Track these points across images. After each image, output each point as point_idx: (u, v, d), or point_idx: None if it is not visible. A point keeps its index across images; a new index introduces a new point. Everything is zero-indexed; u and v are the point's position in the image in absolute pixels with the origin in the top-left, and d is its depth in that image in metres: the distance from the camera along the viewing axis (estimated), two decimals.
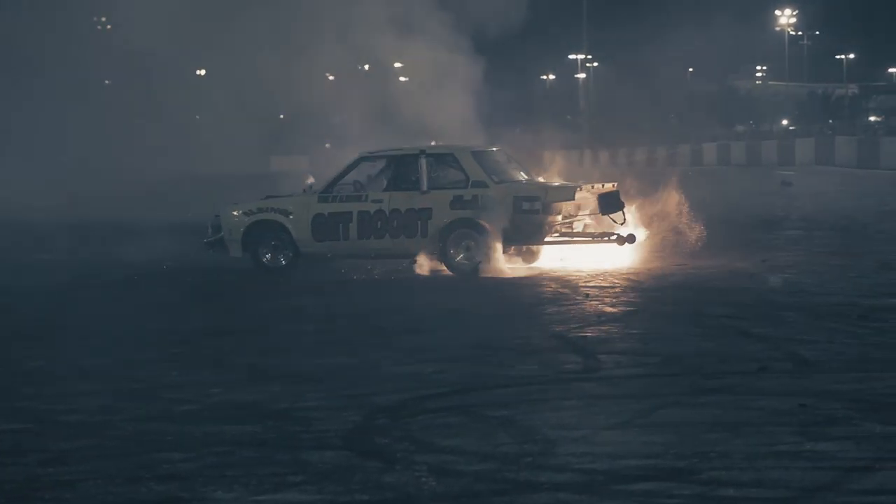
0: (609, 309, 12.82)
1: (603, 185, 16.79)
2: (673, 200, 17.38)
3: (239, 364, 10.21)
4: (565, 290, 14.33)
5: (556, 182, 17.02)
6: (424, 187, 16.35)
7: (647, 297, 13.69)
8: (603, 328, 11.60)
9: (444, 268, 16.23)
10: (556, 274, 15.85)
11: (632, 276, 15.35)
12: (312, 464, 6.94)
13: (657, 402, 8.30)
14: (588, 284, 14.75)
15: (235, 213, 17.19)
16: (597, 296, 13.78)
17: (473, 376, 9.40)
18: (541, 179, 17.15)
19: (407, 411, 8.20)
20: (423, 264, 16.27)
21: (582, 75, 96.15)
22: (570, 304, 13.26)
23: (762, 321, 11.73)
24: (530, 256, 16.73)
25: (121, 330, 12.28)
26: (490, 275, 15.75)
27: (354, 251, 16.79)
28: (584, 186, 16.42)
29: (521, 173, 17.02)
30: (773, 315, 12.09)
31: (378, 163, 17.08)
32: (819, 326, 11.40)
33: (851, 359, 9.75)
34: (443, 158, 16.62)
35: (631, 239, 16.17)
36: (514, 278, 15.55)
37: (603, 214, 16.58)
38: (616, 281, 15.01)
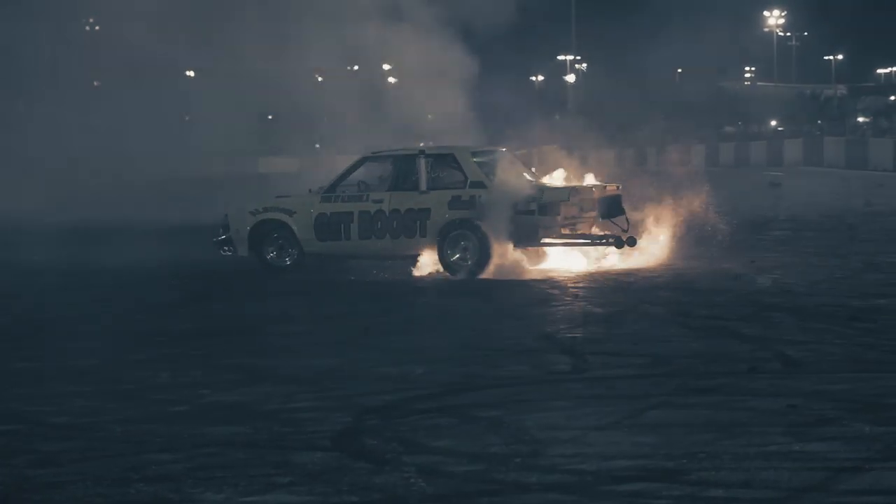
0: (598, 310, 12.83)
1: (606, 188, 16.52)
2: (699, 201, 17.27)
3: (229, 365, 10.20)
4: (554, 291, 14.34)
5: (553, 183, 16.83)
6: (423, 187, 16.33)
7: (635, 297, 13.69)
8: (592, 329, 11.60)
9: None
10: (547, 275, 15.84)
11: (621, 277, 15.36)
12: (302, 465, 6.94)
13: (646, 402, 8.31)
14: (577, 285, 14.76)
15: (243, 213, 17.28)
16: (586, 296, 13.80)
17: (463, 377, 9.41)
18: (543, 180, 16.91)
19: (396, 412, 8.20)
20: (424, 265, 16.24)
21: (571, 77, 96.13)
22: (560, 305, 13.27)
23: (751, 322, 11.74)
24: (536, 258, 16.55)
25: (110, 331, 12.28)
26: (486, 276, 15.70)
27: (356, 251, 16.77)
28: (581, 188, 16.27)
29: (525, 174, 16.87)
30: (761, 316, 12.10)
31: (385, 163, 17.06)
32: (808, 327, 11.41)
33: (840, 359, 9.77)
34: (443, 159, 16.59)
35: (631, 241, 16.01)
36: (505, 279, 15.52)
37: (603, 219, 16.32)
38: (605, 282, 15.02)
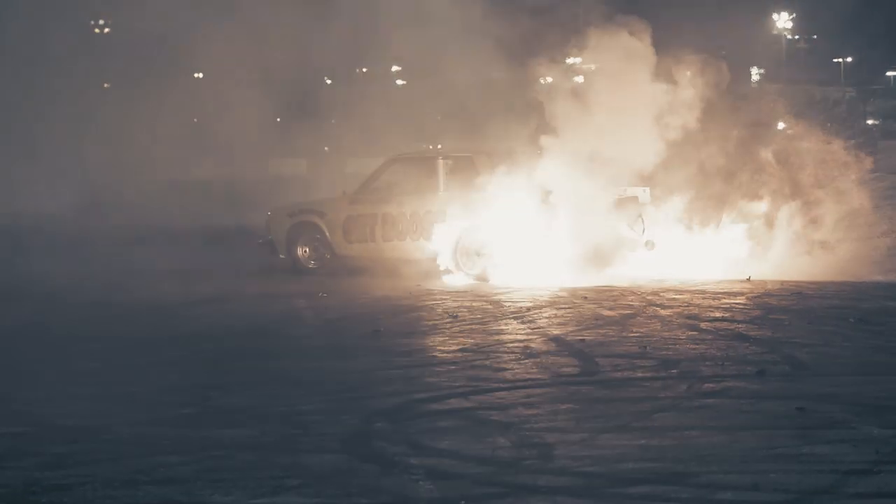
0: (607, 312, 12.82)
1: (626, 190, 16.17)
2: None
3: (236, 368, 10.21)
4: (563, 294, 14.33)
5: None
6: (441, 189, 16.35)
7: (644, 300, 13.69)
8: (601, 331, 11.60)
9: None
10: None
11: (630, 280, 15.33)
12: (311, 467, 6.94)
13: (655, 405, 8.30)
14: (584, 288, 14.75)
15: (281, 215, 17.45)
16: (594, 299, 13.79)
17: (471, 379, 9.40)
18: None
19: (405, 415, 8.21)
20: (446, 268, 16.16)
21: (580, 78, 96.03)
22: (568, 308, 13.26)
23: (759, 324, 11.74)
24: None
25: (117, 334, 12.28)
26: (494, 280, 15.65)
27: (381, 253, 16.76)
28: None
29: None
30: (770, 318, 12.10)
31: (411, 165, 17.07)
32: (816, 330, 11.41)
33: (849, 362, 9.77)
34: (462, 161, 16.60)
35: (649, 246, 15.82)
36: (511, 281, 15.51)
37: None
38: (614, 284, 15.00)
